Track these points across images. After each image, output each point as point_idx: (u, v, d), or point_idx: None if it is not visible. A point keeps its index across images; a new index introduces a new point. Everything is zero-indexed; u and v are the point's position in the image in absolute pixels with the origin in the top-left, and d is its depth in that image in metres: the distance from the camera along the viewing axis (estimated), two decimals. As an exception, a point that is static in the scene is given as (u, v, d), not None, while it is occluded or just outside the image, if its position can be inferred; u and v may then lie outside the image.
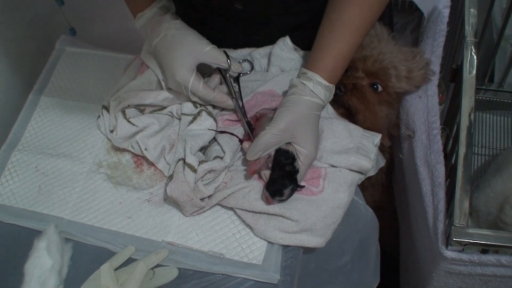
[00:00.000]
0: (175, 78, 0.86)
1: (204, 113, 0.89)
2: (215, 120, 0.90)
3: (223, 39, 0.95)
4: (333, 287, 0.96)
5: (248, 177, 0.84)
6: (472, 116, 0.92)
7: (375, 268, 0.99)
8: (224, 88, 0.92)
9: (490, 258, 0.84)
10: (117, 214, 0.87)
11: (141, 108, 0.94)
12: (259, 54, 0.99)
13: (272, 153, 0.82)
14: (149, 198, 0.88)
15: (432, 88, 0.96)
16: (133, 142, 0.90)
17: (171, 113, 0.93)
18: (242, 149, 0.88)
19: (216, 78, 0.92)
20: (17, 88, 1.16)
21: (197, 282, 0.80)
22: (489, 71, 1.40)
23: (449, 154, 0.99)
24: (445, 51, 0.99)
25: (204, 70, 0.92)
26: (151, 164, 0.90)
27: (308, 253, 0.87)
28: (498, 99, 1.40)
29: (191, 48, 0.86)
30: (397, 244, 1.26)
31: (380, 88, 0.95)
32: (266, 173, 0.82)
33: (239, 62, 0.96)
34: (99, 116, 0.95)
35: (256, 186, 0.83)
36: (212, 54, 0.87)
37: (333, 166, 0.86)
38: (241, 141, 0.87)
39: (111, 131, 0.92)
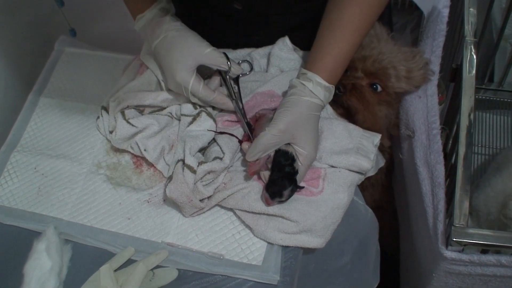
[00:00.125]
0: (175, 79, 0.86)
1: (203, 114, 0.89)
2: (214, 121, 0.90)
3: (222, 39, 0.95)
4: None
5: (247, 178, 0.84)
6: (472, 116, 0.92)
7: (375, 268, 0.99)
8: (224, 89, 0.92)
9: (490, 258, 0.84)
10: (117, 215, 0.87)
11: (140, 109, 0.93)
12: (258, 54, 0.99)
13: (272, 154, 0.82)
14: (148, 199, 0.88)
15: (431, 88, 0.96)
16: (132, 143, 0.90)
17: (171, 114, 0.93)
18: (241, 150, 0.88)
19: (216, 79, 0.92)
20: (17, 88, 1.16)
21: (196, 283, 0.80)
22: (489, 70, 1.40)
23: (449, 154, 0.98)
24: (444, 51, 0.99)
25: (204, 72, 0.92)
26: (151, 165, 0.90)
27: (308, 254, 0.87)
28: (498, 99, 1.40)
29: (191, 50, 0.86)
30: (397, 244, 1.26)
31: (379, 88, 0.95)
32: (266, 174, 0.82)
33: (238, 63, 0.96)
34: (98, 117, 0.95)
35: (256, 187, 0.83)
36: (212, 56, 0.87)
37: (332, 166, 0.86)
38: (240, 142, 0.87)
39: (111, 132, 0.92)
